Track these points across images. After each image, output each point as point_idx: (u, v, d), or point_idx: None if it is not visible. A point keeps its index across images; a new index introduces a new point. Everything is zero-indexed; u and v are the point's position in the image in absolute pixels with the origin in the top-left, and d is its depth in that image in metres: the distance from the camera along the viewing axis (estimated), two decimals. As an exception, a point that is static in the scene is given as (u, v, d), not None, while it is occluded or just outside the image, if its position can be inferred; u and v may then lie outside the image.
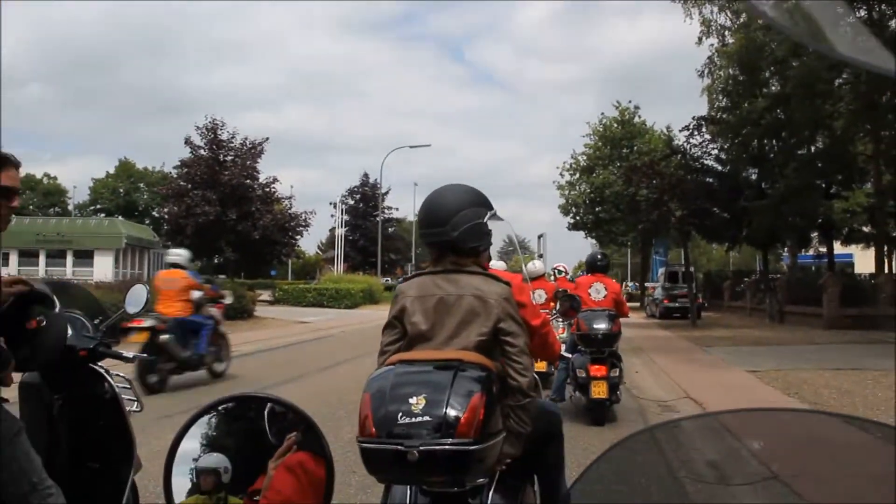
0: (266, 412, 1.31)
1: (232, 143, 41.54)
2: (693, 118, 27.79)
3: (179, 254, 12.25)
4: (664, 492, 1.52)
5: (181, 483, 1.46)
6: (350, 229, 58.95)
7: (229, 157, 41.17)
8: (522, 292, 3.52)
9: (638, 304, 41.11)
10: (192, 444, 1.37)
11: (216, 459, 1.27)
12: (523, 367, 2.93)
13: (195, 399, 10.19)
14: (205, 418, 1.28)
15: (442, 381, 2.68)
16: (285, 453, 1.26)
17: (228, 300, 14.04)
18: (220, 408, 1.28)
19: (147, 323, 10.40)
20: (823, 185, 26.41)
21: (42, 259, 41.63)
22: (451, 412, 2.57)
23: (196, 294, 11.54)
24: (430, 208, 3.10)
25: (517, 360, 2.93)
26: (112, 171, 75.18)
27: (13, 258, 40.84)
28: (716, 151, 28.65)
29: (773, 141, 26.69)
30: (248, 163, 41.33)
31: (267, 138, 42.54)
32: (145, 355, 4.24)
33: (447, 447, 2.55)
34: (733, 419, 1.49)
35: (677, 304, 32.33)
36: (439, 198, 3.12)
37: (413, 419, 2.57)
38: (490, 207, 3.16)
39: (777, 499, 1.35)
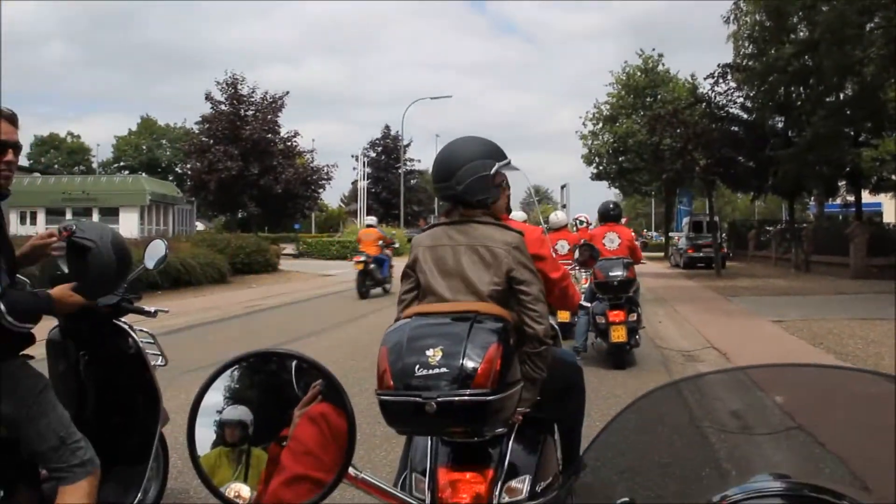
0: (292, 366, 1.31)
1: (252, 97, 41.53)
2: (718, 66, 27.28)
3: (373, 219, 22.96)
4: (686, 441, 1.51)
5: (205, 436, 1.48)
6: (372, 182, 58.91)
7: (250, 112, 41.23)
8: (542, 245, 3.52)
9: (662, 254, 40.99)
10: (215, 397, 1.37)
11: (241, 412, 1.27)
12: (539, 315, 2.94)
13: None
14: (227, 373, 1.28)
15: (458, 332, 2.68)
16: (310, 402, 1.26)
17: (396, 244, 22.34)
18: (242, 363, 1.28)
19: (362, 258, 18.41)
20: (852, 133, 25.95)
21: (69, 217, 41.98)
22: (468, 363, 2.58)
23: (380, 241, 19.42)
24: (439, 162, 3.10)
25: (532, 307, 2.94)
26: (134, 128, 75.48)
27: (41, 216, 41.26)
28: (741, 99, 28.11)
29: (801, 88, 26.16)
30: (269, 117, 41.38)
31: (287, 92, 42.59)
32: (167, 309, 4.29)
33: (465, 398, 2.56)
34: (758, 372, 1.47)
35: (702, 254, 32.16)
36: (448, 152, 3.11)
37: (430, 371, 2.58)
38: (501, 158, 3.12)
39: (800, 448, 1.34)
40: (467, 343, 2.62)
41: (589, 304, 8.73)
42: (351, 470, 1.18)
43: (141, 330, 4.00)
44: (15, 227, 27.54)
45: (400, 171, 56.49)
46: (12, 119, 2.95)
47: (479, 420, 2.64)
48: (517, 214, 11.43)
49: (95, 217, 41.21)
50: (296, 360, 1.33)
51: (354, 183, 60.24)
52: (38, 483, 3.08)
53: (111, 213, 41.60)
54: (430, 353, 2.61)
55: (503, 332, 2.73)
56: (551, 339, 3.04)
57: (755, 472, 1.28)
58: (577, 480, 2.72)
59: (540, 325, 2.93)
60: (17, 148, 2.94)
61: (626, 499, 1.15)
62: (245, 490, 1.24)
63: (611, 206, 10.32)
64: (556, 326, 4.01)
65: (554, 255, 3.89)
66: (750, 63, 26.38)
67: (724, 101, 28.01)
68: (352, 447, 1.18)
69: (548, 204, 70.27)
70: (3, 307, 2.71)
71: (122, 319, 3.86)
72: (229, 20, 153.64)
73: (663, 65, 41.62)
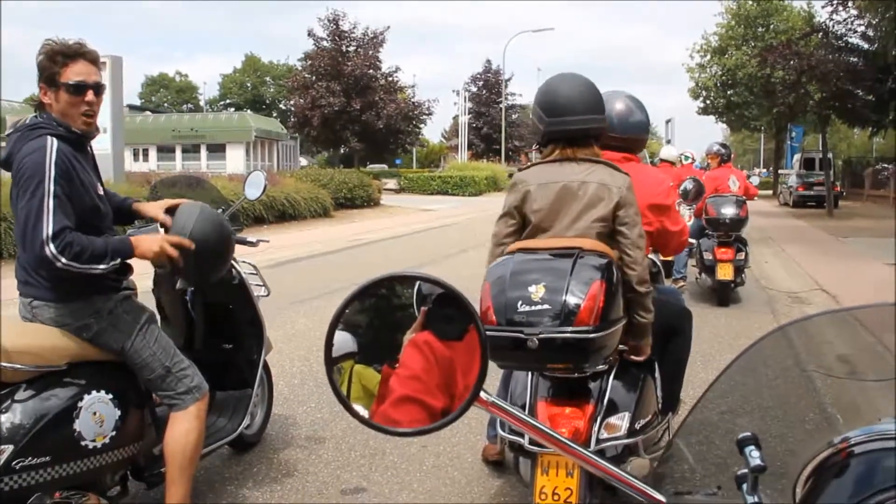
0: (414, 289, 1.32)
1: (353, 33, 41.66)
2: (838, -8, 25.82)
3: None
4: (790, 385, 1.48)
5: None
6: (474, 117, 58.52)
7: (352, 48, 41.39)
8: (668, 195, 3.49)
9: (770, 192, 39.68)
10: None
11: (348, 337, 1.30)
12: (633, 262, 2.92)
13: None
14: (358, 299, 1.31)
15: (562, 268, 2.68)
16: (417, 329, 1.29)
17: None
18: (373, 288, 1.30)
19: None
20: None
21: (178, 154, 43.31)
22: (571, 300, 2.58)
23: None
24: (585, 93, 3.05)
25: (629, 253, 2.92)
26: (239, 66, 76.87)
27: (152, 153, 42.72)
28: (862, 28, 26.61)
29: (930, 14, 24.57)
30: (371, 53, 41.45)
31: (388, 27, 42.52)
32: (267, 240, 4.35)
33: (567, 335, 2.56)
34: (870, 314, 1.42)
35: (813, 193, 30.86)
36: (587, 85, 3.07)
37: (533, 307, 2.59)
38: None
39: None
40: (570, 279, 2.61)
41: (693, 241, 8.74)
42: (482, 394, 1.20)
43: (244, 262, 4.12)
44: (129, 163, 28.54)
45: (501, 105, 55.99)
46: (94, 59, 2.96)
47: (581, 357, 2.65)
48: (668, 149, 11.46)
49: (203, 153, 42.45)
50: (419, 282, 1.34)
51: (455, 118, 60.06)
52: (153, 407, 3.24)
53: (218, 149, 42.74)
54: (532, 288, 2.61)
55: (607, 268, 2.71)
56: (645, 285, 2.98)
57: (864, 419, 1.24)
58: (675, 419, 2.68)
59: (633, 271, 2.91)
60: (97, 88, 2.95)
61: (748, 433, 1.14)
62: (360, 408, 1.28)
63: (723, 148, 10.26)
64: (659, 263, 3.97)
65: None
66: (874, -12, 24.83)
67: (843, 31, 26.55)
68: (483, 371, 1.20)
69: (652, 139, 68.68)
70: (52, 249, 2.67)
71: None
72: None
73: (776, -8, 39.67)
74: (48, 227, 2.68)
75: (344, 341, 1.30)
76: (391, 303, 1.36)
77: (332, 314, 1.23)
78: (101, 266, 2.82)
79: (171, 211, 3.24)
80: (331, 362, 1.25)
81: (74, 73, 2.87)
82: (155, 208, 3.29)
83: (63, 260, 2.70)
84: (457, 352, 1.26)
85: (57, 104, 2.89)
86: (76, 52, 2.89)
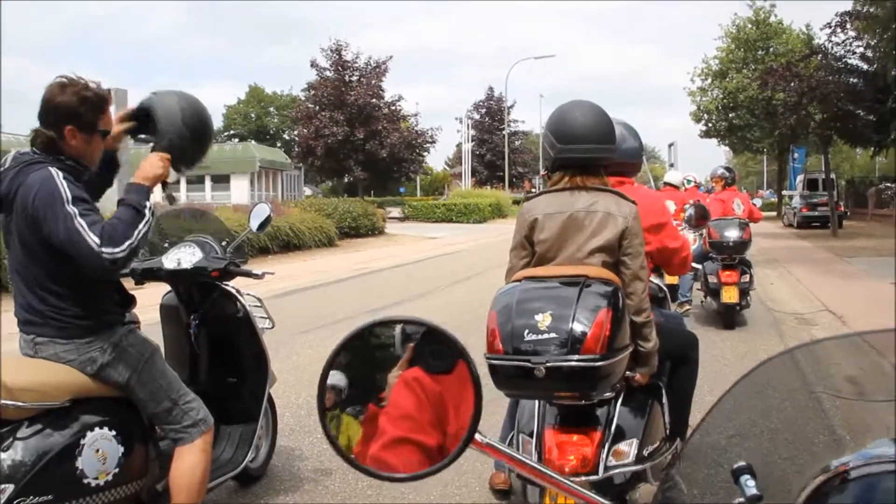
0: (398, 329, 1.32)
1: (356, 63, 41.94)
2: (836, 14, 25.94)
3: None
4: (798, 407, 1.46)
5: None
6: (477, 144, 58.64)
7: (354, 78, 41.66)
8: (663, 213, 3.49)
9: (775, 214, 39.68)
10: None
11: (336, 378, 1.30)
12: (632, 292, 2.93)
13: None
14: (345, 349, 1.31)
15: (568, 296, 2.67)
16: (403, 366, 1.27)
17: None
18: (360, 336, 1.30)
19: None
20: None
21: (183, 185, 43.32)
22: (578, 328, 2.57)
23: None
24: (598, 122, 3.05)
25: (628, 284, 2.92)
26: (243, 97, 77.27)
27: (156, 186, 42.75)
28: (861, 49, 26.72)
29: (929, 34, 24.64)
30: (374, 82, 41.71)
31: (390, 56, 42.82)
32: (272, 272, 4.34)
33: (574, 363, 2.55)
34: (878, 337, 1.41)
35: (816, 213, 30.93)
36: (601, 114, 3.08)
37: (539, 336, 2.58)
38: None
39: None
40: (577, 307, 2.61)
41: (699, 266, 8.78)
42: (477, 436, 1.18)
43: (248, 294, 4.12)
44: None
45: (504, 132, 56.18)
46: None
47: (588, 385, 2.63)
48: (672, 173, 11.52)
49: (208, 184, 42.52)
50: (409, 325, 1.33)
51: (459, 145, 60.25)
52: (156, 442, 3.21)
53: (223, 179, 42.75)
54: (539, 317, 2.61)
55: (613, 296, 2.70)
56: (643, 315, 2.97)
57: (873, 439, 1.23)
58: (683, 445, 2.65)
59: (631, 301, 2.91)
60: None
61: (743, 463, 1.12)
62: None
63: (727, 172, 10.31)
64: (665, 288, 3.96)
65: None
66: (872, 10, 24.95)
67: (843, 52, 26.67)
68: (478, 412, 1.19)
69: (655, 163, 68.93)
70: (107, 252, 2.68)
71: (230, 284, 3.98)
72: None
73: (776, 15, 39.93)
74: (92, 240, 2.68)
75: (338, 388, 1.30)
76: (373, 345, 1.36)
77: (323, 364, 1.23)
78: (143, 224, 2.83)
79: (134, 117, 3.23)
80: (324, 410, 1.24)
81: (108, 119, 2.99)
82: (118, 124, 3.21)
83: (119, 251, 2.71)
84: (446, 385, 1.24)
85: (87, 147, 2.94)
86: (105, 99, 2.98)
